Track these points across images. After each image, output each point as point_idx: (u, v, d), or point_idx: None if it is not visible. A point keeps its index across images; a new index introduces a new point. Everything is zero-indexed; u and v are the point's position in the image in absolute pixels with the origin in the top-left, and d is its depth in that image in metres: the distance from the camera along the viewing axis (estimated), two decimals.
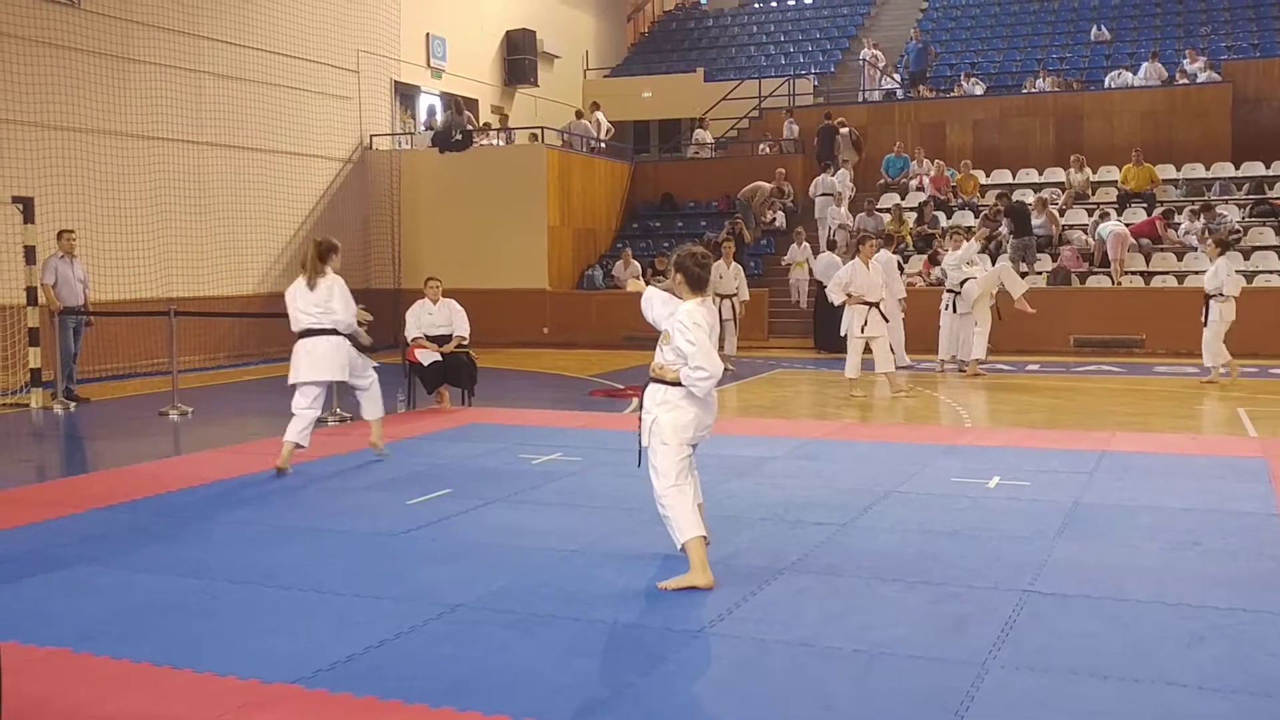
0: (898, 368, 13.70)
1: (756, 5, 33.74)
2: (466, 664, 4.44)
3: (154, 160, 17.07)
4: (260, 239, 19.04)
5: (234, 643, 4.71)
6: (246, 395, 14.39)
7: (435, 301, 12.00)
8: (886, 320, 12.96)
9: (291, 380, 8.58)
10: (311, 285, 8.50)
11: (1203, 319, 13.56)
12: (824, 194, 21.61)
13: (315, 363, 8.53)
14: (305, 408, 8.52)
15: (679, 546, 5.45)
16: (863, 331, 12.63)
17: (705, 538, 5.44)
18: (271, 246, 19.37)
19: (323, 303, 8.50)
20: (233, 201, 18.50)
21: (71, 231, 13.26)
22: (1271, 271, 17.84)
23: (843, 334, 12.88)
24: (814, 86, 26.92)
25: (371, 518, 6.97)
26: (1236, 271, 14.13)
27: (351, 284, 8.64)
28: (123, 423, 11.84)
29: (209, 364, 17.01)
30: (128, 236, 16.37)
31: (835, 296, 12.91)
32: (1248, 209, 19.80)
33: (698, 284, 5.46)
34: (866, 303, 12.64)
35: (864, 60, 26.17)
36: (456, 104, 22.64)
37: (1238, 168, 21.06)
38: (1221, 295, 13.44)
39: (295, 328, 8.55)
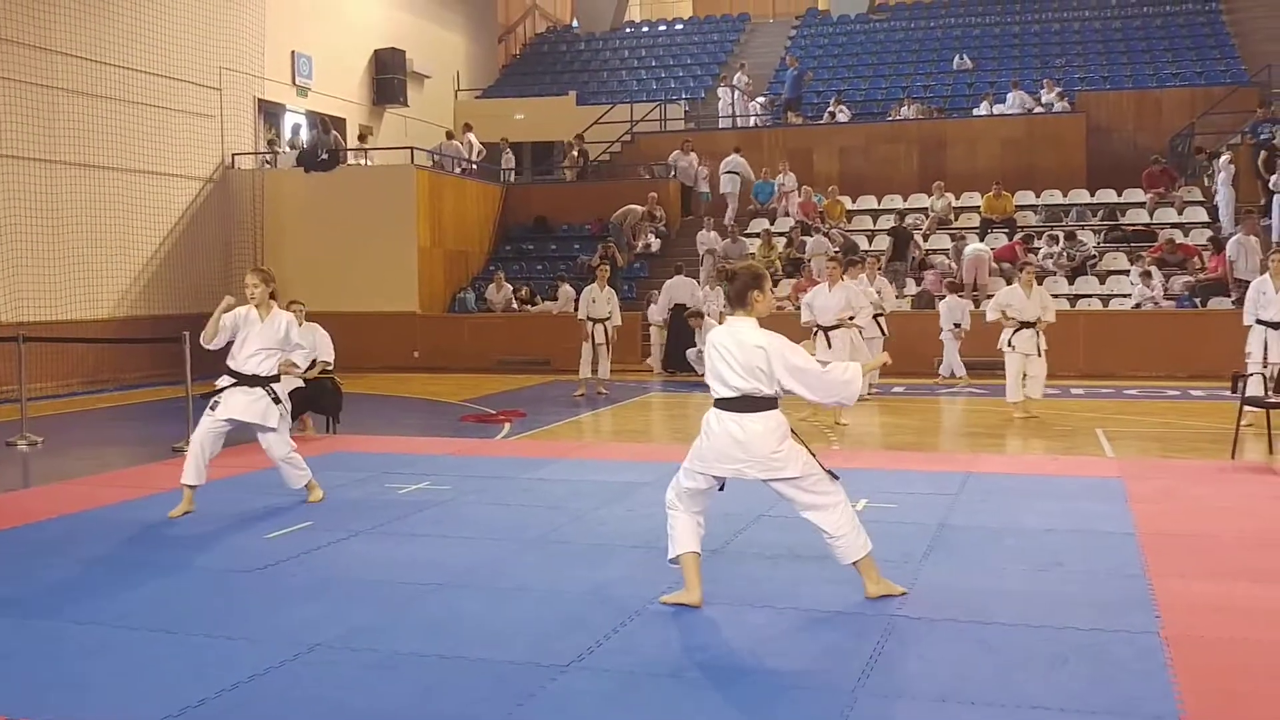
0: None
1: (628, 30, 33.92)
2: (325, 706, 4.28)
3: (3, 179, 16.39)
4: (117, 261, 18.43)
5: (81, 689, 4.48)
6: (101, 423, 13.85)
7: (298, 325, 11.67)
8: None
9: None
10: None
11: (1039, 351, 12.84)
12: (730, 171, 22.77)
13: None
14: None
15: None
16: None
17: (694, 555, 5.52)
18: (129, 268, 18.76)
19: None
20: (88, 222, 17.87)
21: None
22: (1124, 295, 18.47)
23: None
24: (685, 112, 27.14)
25: (228, 553, 6.71)
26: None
27: (211, 307, 8.29)
28: None
29: (62, 391, 16.34)
30: None
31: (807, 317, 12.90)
32: (1102, 234, 20.51)
33: (729, 299, 5.52)
34: (820, 327, 12.71)
35: (735, 86, 26.47)
36: (323, 123, 22.24)
37: (1093, 194, 21.82)
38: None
39: None
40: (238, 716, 4.18)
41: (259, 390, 7.92)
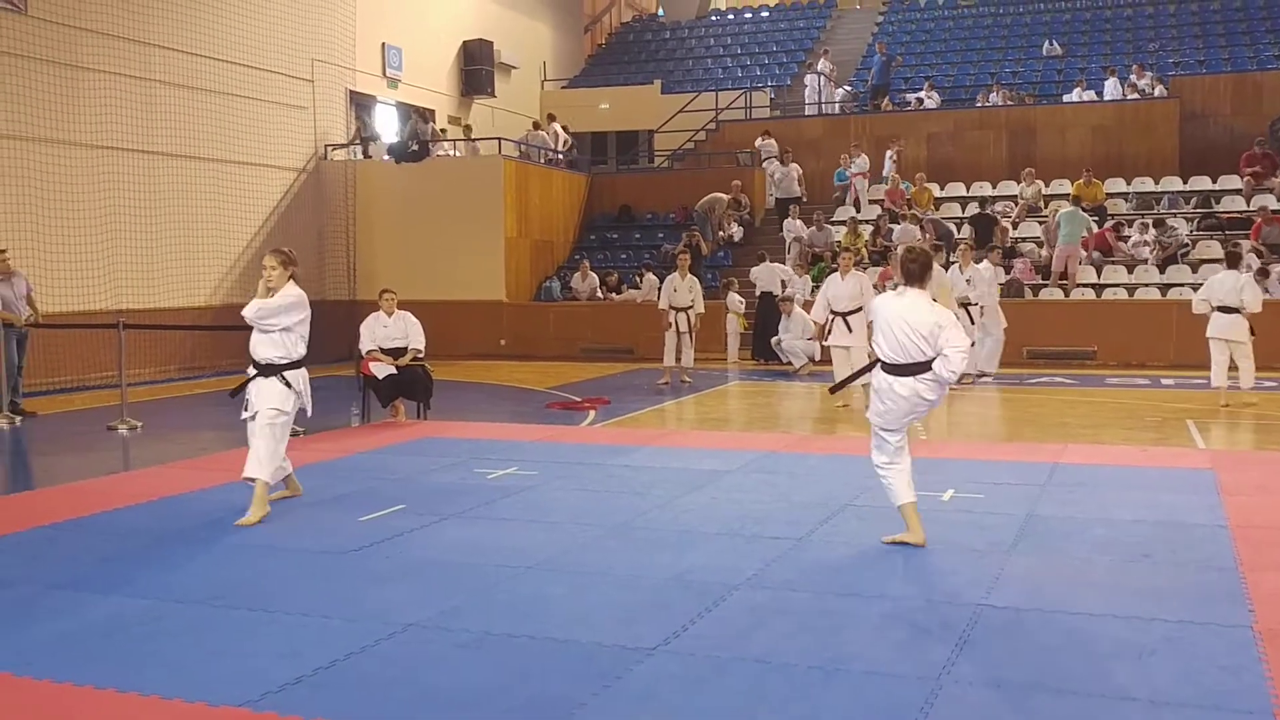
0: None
1: (713, 18, 33.86)
2: (418, 685, 4.38)
3: (104, 170, 16.87)
4: (213, 250, 18.86)
5: (180, 665, 4.63)
6: (198, 409, 14.21)
7: (390, 314, 11.91)
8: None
9: None
10: None
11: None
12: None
13: None
14: None
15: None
16: (826, 337, 12.94)
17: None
18: (225, 258, 19.19)
19: None
20: (185, 212, 18.31)
21: (4, 251, 13.00)
22: None
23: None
24: (770, 100, 27.04)
25: (322, 535, 6.88)
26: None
27: (307, 296, 8.18)
28: (70, 437, 11.64)
29: (160, 377, 16.80)
30: (76, 247, 16.17)
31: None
32: (1195, 222, 20.06)
33: (909, 277, 6.23)
34: (835, 313, 12.78)
35: (820, 72, 26.31)
36: (419, 114, 22.53)
37: (1185, 182, 21.34)
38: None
39: None
40: (333, 694, 4.30)
41: (273, 379, 7.37)
